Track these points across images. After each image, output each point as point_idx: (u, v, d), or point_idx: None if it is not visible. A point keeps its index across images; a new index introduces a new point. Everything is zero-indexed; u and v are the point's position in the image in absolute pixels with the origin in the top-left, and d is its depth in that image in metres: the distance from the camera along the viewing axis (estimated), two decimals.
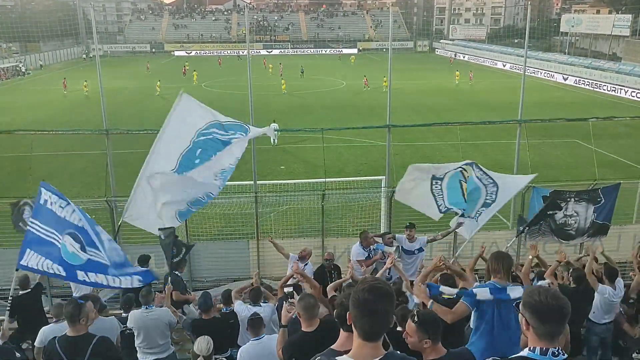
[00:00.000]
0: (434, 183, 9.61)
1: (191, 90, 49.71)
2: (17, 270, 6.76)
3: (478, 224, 9.82)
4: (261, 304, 7.64)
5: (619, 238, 12.82)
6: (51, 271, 6.38)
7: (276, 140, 25.52)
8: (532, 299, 2.85)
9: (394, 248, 9.52)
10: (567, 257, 8.51)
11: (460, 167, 9.62)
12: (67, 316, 5.51)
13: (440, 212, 9.73)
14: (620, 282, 8.16)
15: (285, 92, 46.55)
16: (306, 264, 9.48)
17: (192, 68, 58.89)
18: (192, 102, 8.24)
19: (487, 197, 9.69)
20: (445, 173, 9.61)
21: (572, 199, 10.67)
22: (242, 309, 7.57)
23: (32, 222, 6.56)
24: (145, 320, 7.22)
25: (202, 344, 5.79)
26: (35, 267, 6.39)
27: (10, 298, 7.27)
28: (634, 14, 71.99)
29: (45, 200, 6.61)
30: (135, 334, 7.24)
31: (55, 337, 5.70)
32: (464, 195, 9.61)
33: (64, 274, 6.34)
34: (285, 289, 5.84)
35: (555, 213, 10.66)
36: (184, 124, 8.02)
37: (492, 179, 9.72)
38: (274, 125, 25.30)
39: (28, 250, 6.43)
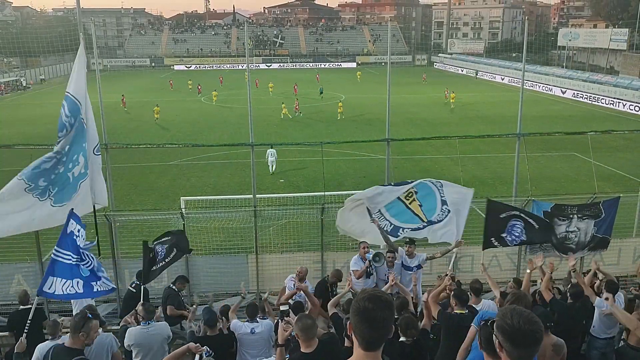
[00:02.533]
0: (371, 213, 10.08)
1: (210, 109, 49.24)
2: (37, 295, 7.18)
3: (456, 228, 9.89)
4: (258, 319, 7.55)
5: (619, 252, 12.78)
6: (72, 291, 6.96)
7: (274, 167, 25.17)
8: (505, 322, 2.78)
9: (381, 263, 9.47)
10: (556, 268, 8.49)
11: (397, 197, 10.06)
12: (71, 325, 5.57)
13: (394, 234, 9.96)
14: (620, 296, 8.13)
15: (300, 114, 42.01)
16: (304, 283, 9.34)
17: (206, 87, 58.60)
18: None
19: (442, 198, 10.10)
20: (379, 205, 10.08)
21: (575, 216, 10.62)
22: (239, 326, 7.44)
23: (56, 251, 7.07)
24: (146, 336, 7.05)
25: None
26: (60, 293, 6.92)
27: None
28: (630, 28, 72.54)
29: (72, 232, 7.23)
30: (134, 352, 7.03)
31: (54, 345, 5.73)
32: (413, 211, 10.03)
33: (82, 290, 7.00)
34: (281, 307, 5.77)
35: (556, 228, 10.62)
36: None
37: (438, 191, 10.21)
38: (272, 151, 24.76)
39: (51, 277, 6.93)
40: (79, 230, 7.34)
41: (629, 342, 7.96)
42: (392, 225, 10.07)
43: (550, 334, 6.24)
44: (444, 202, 10.16)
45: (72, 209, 7.67)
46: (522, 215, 9.58)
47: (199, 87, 57.93)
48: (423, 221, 10.08)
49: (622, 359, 8.03)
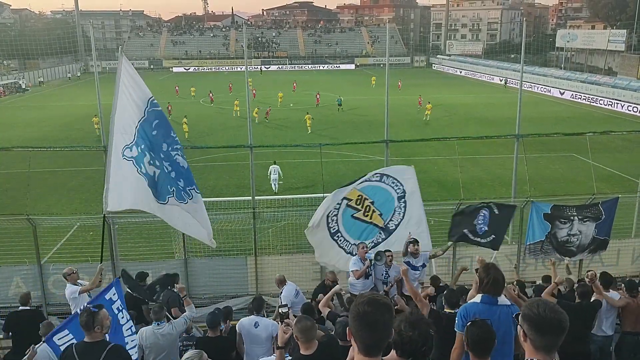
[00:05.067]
0: (332, 235, 10.32)
1: (209, 112, 48.67)
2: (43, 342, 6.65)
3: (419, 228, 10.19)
4: (264, 315, 7.56)
5: (618, 252, 12.78)
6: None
7: (277, 186, 23.39)
8: (532, 312, 2.86)
9: (383, 261, 9.50)
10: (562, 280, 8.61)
11: (337, 202, 10.15)
12: (82, 324, 5.58)
13: (351, 253, 10.15)
14: (615, 294, 8.20)
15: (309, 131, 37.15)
16: (283, 289, 9.39)
17: (205, 91, 58.03)
18: (132, 68, 8.19)
19: (397, 191, 10.32)
20: (327, 216, 10.16)
21: (576, 218, 10.64)
22: (244, 321, 7.47)
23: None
24: (158, 336, 7.08)
25: (193, 356, 5.67)
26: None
27: None
28: (628, 29, 72.65)
29: (111, 299, 6.93)
30: (146, 352, 7.08)
31: (72, 343, 5.81)
32: (368, 221, 10.25)
33: None
34: (281, 310, 5.76)
35: (557, 232, 10.65)
36: (132, 89, 8.01)
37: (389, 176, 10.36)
38: (275, 168, 23.20)
39: (67, 331, 6.49)
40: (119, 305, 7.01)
41: (624, 330, 8.11)
42: (352, 245, 10.30)
43: None
44: (400, 198, 10.39)
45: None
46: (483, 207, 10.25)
47: (211, 96, 52.96)
48: (380, 228, 10.34)
49: (622, 346, 8.27)
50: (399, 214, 10.35)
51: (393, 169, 10.73)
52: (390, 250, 9.81)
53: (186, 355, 5.58)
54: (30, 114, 47.07)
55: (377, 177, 10.38)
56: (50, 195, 22.72)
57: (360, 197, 10.25)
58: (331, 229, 10.32)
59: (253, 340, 7.34)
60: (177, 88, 60.56)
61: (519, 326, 2.98)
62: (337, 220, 10.29)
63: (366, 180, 10.31)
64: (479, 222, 10.31)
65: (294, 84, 62.85)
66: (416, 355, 3.57)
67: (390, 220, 10.34)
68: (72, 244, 16.19)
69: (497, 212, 10.27)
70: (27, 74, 74.18)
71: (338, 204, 10.21)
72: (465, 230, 10.42)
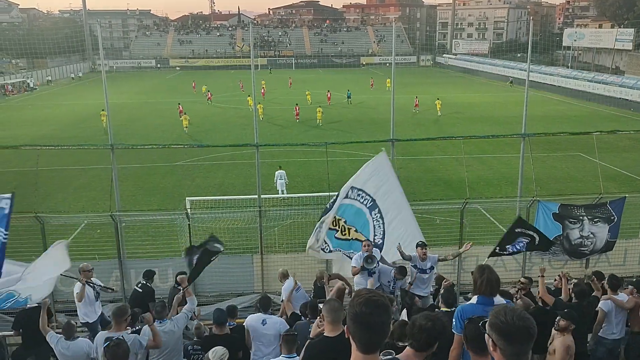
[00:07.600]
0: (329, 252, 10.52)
1: (215, 110, 48.79)
2: None
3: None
4: (271, 313, 7.60)
5: (625, 252, 12.73)
6: None
7: (285, 191, 21.97)
8: (498, 320, 2.78)
9: (373, 266, 9.47)
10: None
11: (319, 227, 10.20)
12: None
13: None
14: (623, 295, 8.19)
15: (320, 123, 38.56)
16: (285, 282, 9.49)
17: (219, 90, 58.04)
18: None
19: (365, 203, 10.23)
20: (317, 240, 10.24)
21: (586, 218, 10.55)
22: (252, 319, 7.51)
23: None
24: (161, 335, 7.13)
25: (219, 352, 5.81)
26: None
27: None
28: (635, 28, 72.21)
29: None
30: (151, 350, 7.13)
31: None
32: (349, 238, 10.22)
33: None
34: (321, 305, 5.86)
35: (569, 232, 10.57)
36: None
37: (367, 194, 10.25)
38: (281, 173, 22.23)
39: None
40: None
41: (633, 330, 8.09)
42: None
43: (569, 334, 6.25)
44: (371, 208, 10.30)
45: None
46: (533, 234, 9.53)
47: (209, 95, 51.96)
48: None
49: (631, 347, 8.24)
50: (379, 226, 10.25)
51: (360, 176, 10.58)
52: (401, 274, 9.69)
53: (214, 349, 5.78)
54: (38, 113, 47.32)
55: (344, 193, 10.39)
56: (57, 193, 22.85)
57: (334, 218, 10.29)
58: (325, 249, 10.46)
59: (260, 338, 7.38)
60: (194, 84, 61.94)
61: (486, 335, 2.89)
62: (326, 242, 10.44)
63: (336, 201, 10.38)
64: (516, 245, 9.87)
65: (290, 81, 63.28)
66: (432, 348, 3.58)
67: (375, 235, 10.24)
68: (80, 242, 16.27)
69: (537, 241, 9.90)
70: (35, 73, 74.58)
71: (319, 228, 10.35)
72: (497, 248, 9.74)
